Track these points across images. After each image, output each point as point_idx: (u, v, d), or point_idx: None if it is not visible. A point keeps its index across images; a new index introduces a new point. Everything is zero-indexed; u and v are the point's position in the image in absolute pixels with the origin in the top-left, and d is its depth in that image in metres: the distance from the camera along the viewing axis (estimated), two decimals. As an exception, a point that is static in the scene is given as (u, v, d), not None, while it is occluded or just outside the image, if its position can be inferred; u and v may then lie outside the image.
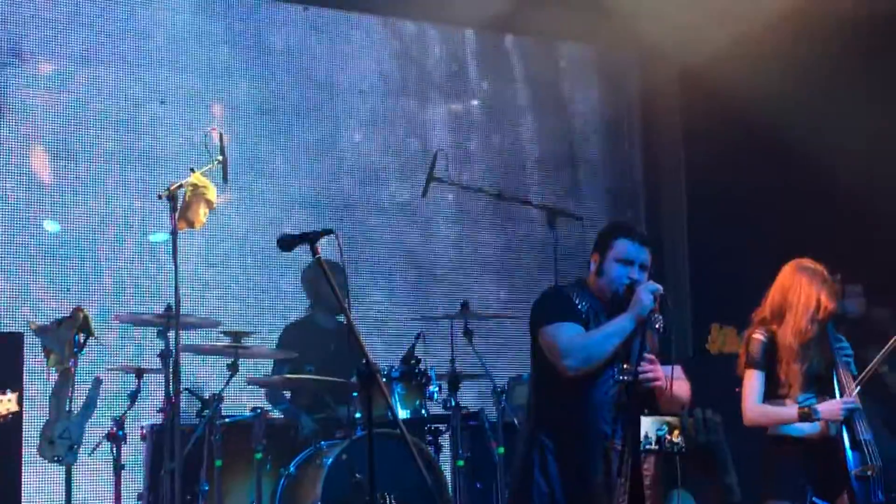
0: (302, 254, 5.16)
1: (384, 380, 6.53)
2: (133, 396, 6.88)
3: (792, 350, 5.99)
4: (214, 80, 8.36)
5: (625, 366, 5.18)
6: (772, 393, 6.04)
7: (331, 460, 6.73)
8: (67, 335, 6.65)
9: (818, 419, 5.94)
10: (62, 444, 6.60)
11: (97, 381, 6.79)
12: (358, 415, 7.00)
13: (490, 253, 9.07)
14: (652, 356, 5.22)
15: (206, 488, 6.79)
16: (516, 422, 7.10)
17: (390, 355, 7.43)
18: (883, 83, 8.09)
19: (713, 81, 8.67)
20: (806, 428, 6.01)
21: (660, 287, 5.24)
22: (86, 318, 6.68)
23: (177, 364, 6.34)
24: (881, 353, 6.23)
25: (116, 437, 6.80)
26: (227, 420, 6.96)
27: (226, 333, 7.02)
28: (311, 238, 4.87)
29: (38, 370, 7.12)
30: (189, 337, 6.96)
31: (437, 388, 7.10)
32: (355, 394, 7.02)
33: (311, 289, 7.85)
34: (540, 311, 5.41)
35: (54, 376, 6.70)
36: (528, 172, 9.29)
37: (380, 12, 8.93)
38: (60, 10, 7.99)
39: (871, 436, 6.00)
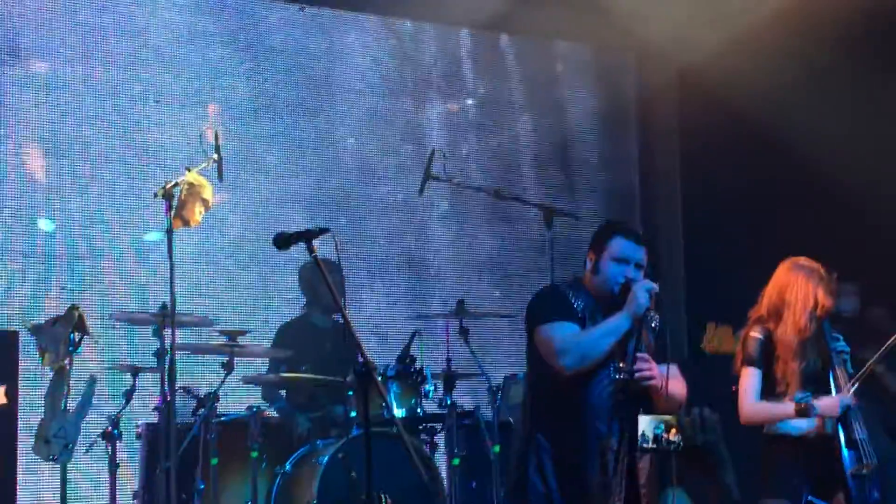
0: (298, 253, 5.16)
1: (380, 378, 6.52)
2: (128, 395, 6.87)
3: (791, 348, 5.99)
4: (210, 79, 8.35)
5: (620, 364, 5.19)
6: (769, 391, 6.05)
7: (327, 459, 6.73)
8: (63, 334, 6.64)
9: (816, 415, 5.94)
10: (57, 443, 6.59)
11: (92, 380, 6.79)
12: (353, 413, 7.00)
13: (486, 252, 9.07)
14: (647, 355, 5.22)
15: (202, 487, 6.78)
16: (512, 421, 7.10)
17: (386, 354, 7.43)
18: (880, 82, 8.10)
19: (710, 81, 8.68)
20: (802, 426, 6.02)
21: (655, 286, 5.24)
22: (81, 316, 6.67)
23: (172, 363, 6.34)
24: (878, 354, 6.24)
25: (112, 436, 6.80)
26: (222, 418, 6.96)
27: (221, 332, 7.02)
28: (308, 236, 4.87)
29: (33, 369, 7.11)
30: (184, 335, 6.95)
31: (432, 387, 7.10)
32: (351, 392, 7.03)
33: (307, 287, 7.84)
34: (536, 310, 5.42)
35: (49, 375, 6.70)
36: (524, 171, 9.29)
37: (376, 11, 8.93)
38: (56, 8, 7.97)
39: (866, 435, 6.01)
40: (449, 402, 7.11)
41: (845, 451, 5.95)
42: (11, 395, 6.75)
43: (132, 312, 7.09)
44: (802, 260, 6.14)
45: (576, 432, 5.26)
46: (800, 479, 5.96)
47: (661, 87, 9.57)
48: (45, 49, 7.94)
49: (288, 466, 6.92)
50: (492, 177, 8.98)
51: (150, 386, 6.98)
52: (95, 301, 7.64)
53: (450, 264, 8.96)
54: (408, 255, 8.86)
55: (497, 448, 7.01)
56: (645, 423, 4.78)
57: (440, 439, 7.27)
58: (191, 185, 6.41)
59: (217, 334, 7.05)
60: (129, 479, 7.06)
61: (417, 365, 7.10)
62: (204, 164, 6.56)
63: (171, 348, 6.37)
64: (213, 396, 6.87)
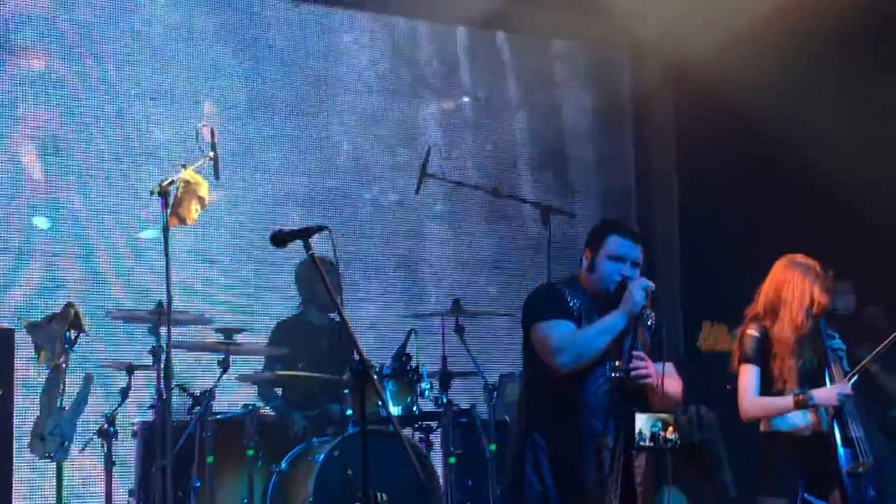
0: (294, 251, 5.16)
1: (376, 377, 6.52)
2: (124, 393, 6.87)
3: (788, 345, 6.00)
4: (206, 77, 8.35)
5: (616, 363, 5.19)
6: (766, 389, 6.05)
7: (322, 457, 6.72)
8: (58, 332, 6.64)
9: (813, 404, 5.95)
10: (53, 441, 6.59)
11: (88, 378, 6.78)
12: (349, 412, 7.00)
13: (482, 250, 9.08)
14: (643, 353, 5.23)
15: (198, 485, 6.78)
16: (508, 419, 7.10)
17: (382, 352, 7.42)
18: (877, 80, 8.10)
19: (706, 79, 8.68)
20: (798, 421, 6.03)
21: (651, 284, 5.25)
22: (77, 314, 6.66)
23: (168, 361, 6.34)
24: (874, 353, 6.25)
25: (107, 434, 6.80)
26: (218, 416, 6.96)
27: (217, 330, 7.01)
28: (305, 234, 4.87)
29: (28, 366, 7.10)
30: (180, 333, 6.95)
31: (428, 386, 7.10)
32: (347, 391, 7.03)
33: (303, 286, 7.84)
34: (532, 308, 5.42)
35: (45, 373, 6.69)
36: (520, 169, 9.29)
37: (371, 9, 8.93)
38: (51, 5, 7.96)
39: (862, 433, 6.01)
40: (445, 401, 7.11)
41: (841, 450, 5.96)
42: (7, 393, 6.74)
43: (128, 310, 7.09)
44: (799, 257, 6.15)
45: (572, 430, 5.26)
46: (796, 477, 5.97)
47: (657, 85, 9.58)
48: (41, 46, 7.92)
49: (284, 464, 6.92)
50: (488, 175, 8.98)
51: (145, 384, 6.97)
52: (91, 299, 7.63)
53: (446, 262, 8.97)
54: (404, 254, 8.86)
55: (493, 446, 7.01)
56: (642, 421, 4.78)
57: (436, 438, 7.27)
58: (187, 182, 6.41)
59: (213, 332, 7.04)
60: (125, 476, 7.04)
61: (413, 363, 7.10)
62: (200, 162, 6.56)
63: (167, 346, 6.37)
64: (208, 394, 6.87)
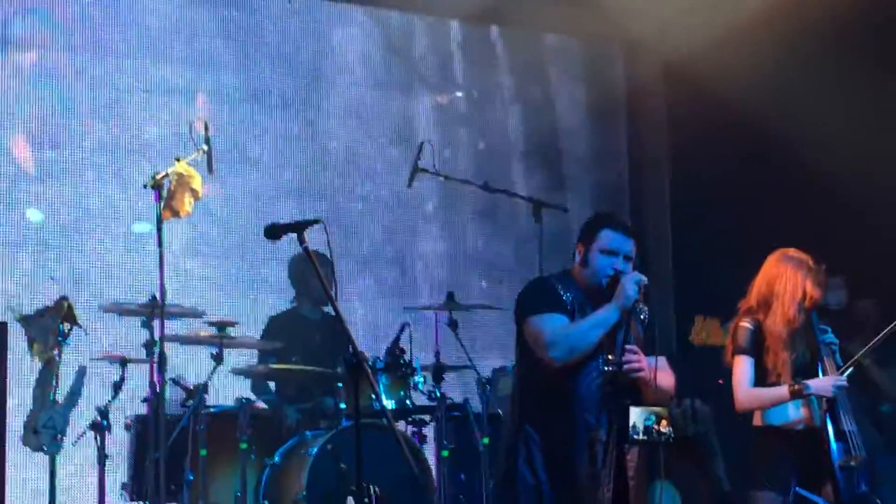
0: (288, 244, 5.16)
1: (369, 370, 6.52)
2: (117, 386, 6.86)
3: (780, 338, 6.02)
4: (199, 70, 8.34)
5: (609, 356, 5.20)
6: (760, 383, 6.07)
7: (316, 450, 6.73)
8: (52, 325, 6.63)
9: (809, 394, 5.96)
10: (46, 434, 6.59)
11: (81, 371, 6.78)
12: (342, 405, 7.01)
13: (475, 244, 9.08)
14: (636, 347, 5.23)
15: (191, 478, 6.78)
16: (501, 413, 7.11)
17: (375, 346, 7.43)
18: (868, 76, 8.11)
19: (698, 73, 8.69)
20: (791, 415, 6.04)
21: (644, 278, 5.26)
22: (70, 307, 6.66)
23: (162, 354, 6.34)
24: (868, 346, 6.27)
25: (100, 427, 6.77)
26: (212, 410, 6.96)
27: (211, 323, 7.01)
28: (298, 227, 4.87)
29: (22, 359, 7.09)
30: (174, 327, 6.94)
31: (421, 379, 7.11)
32: (340, 384, 7.03)
33: (297, 279, 7.84)
34: (525, 302, 5.43)
35: (39, 366, 6.69)
36: (513, 164, 9.29)
37: (365, 3, 8.92)
38: (45, -3, 7.97)
39: (855, 427, 6.04)
40: (438, 395, 7.11)
41: (834, 444, 5.98)
42: (-1, 386, 6.74)
43: (121, 303, 7.07)
44: (792, 251, 6.17)
45: (565, 424, 5.27)
46: (788, 471, 5.99)
47: (650, 80, 9.58)
48: (34, 38, 7.91)
49: (277, 458, 6.92)
50: (481, 169, 8.97)
51: (139, 377, 6.96)
52: (85, 292, 7.63)
53: (439, 257, 8.97)
54: (397, 247, 8.86)
55: (486, 440, 7.01)
56: (636, 415, 4.80)
57: (429, 431, 7.28)
58: (181, 175, 6.40)
59: (206, 325, 7.04)
60: (118, 470, 7.04)
61: (407, 357, 7.11)
62: (194, 155, 6.56)
63: (160, 339, 6.37)
64: (202, 388, 6.87)
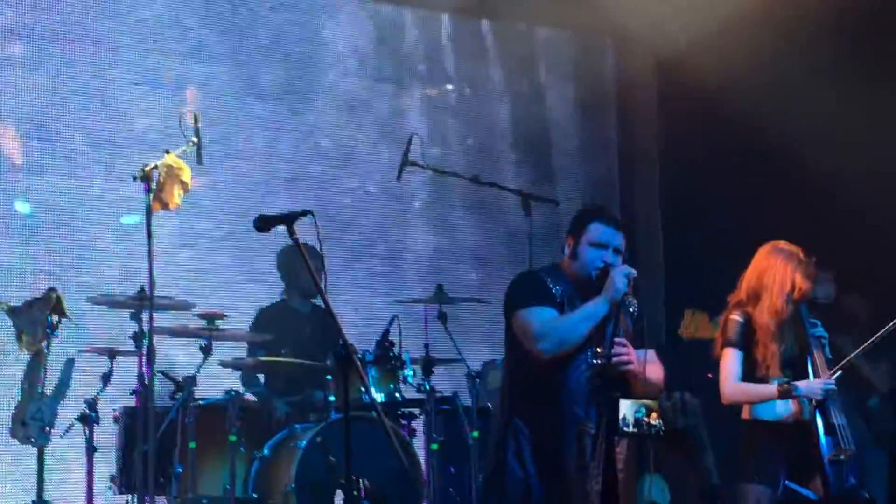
0: (277, 236, 5.15)
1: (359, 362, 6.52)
2: (106, 378, 6.85)
3: (768, 330, 6.03)
4: (190, 62, 8.31)
5: (598, 349, 5.20)
6: (749, 375, 6.08)
7: (305, 443, 6.73)
8: (40, 316, 6.62)
9: (798, 395, 5.97)
10: (34, 426, 6.58)
11: (70, 363, 6.77)
12: (332, 398, 7.00)
13: (465, 237, 9.07)
14: (625, 340, 5.24)
15: (180, 470, 6.77)
16: (490, 406, 7.11)
17: (365, 339, 7.42)
18: (858, 73, 8.13)
19: (689, 68, 8.69)
20: (780, 410, 6.06)
21: (633, 271, 5.26)
22: (59, 299, 6.65)
23: (150, 346, 6.33)
24: (860, 349, 6.28)
25: (89, 419, 6.77)
26: (200, 402, 6.95)
27: (200, 316, 7.00)
28: (288, 219, 4.86)
29: (9, 351, 7.08)
30: (163, 319, 6.93)
31: (411, 372, 7.11)
32: (330, 377, 7.03)
33: (286, 271, 7.83)
34: (514, 295, 5.43)
35: (27, 357, 6.68)
36: (503, 157, 9.29)
37: (357, -5, 8.93)
38: (35, -12, 7.94)
39: (844, 421, 6.05)
40: (427, 388, 7.11)
41: (823, 437, 5.99)
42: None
43: (110, 295, 7.05)
44: (782, 244, 6.18)
45: (554, 417, 5.27)
46: (778, 464, 6.00)
47: (640, 73, 9.58)
48: (24, 28, 7.88)
49: (266, 451, 6.92)
50: (471, 162, 8.97)
51: (127, 369, 6.95)
52: (73, 283, 7.61)
53: (428, 249, 8.96)
54: (387, 240, 8.85)
55: (476, 433, 7.02)
56: (626, 407, 4.80)
57: (419, 424, 7.28)
58: (170, 167, 6.39)
59: (195, 318, 7.02)
60: (107, 462, 7.02)
61: (396, 350, 7.11)
62: (184, 147, 6.54)
63: (149, 331, 6.36)
64: (191, 380, 6.86)
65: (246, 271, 8.24)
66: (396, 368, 7.07)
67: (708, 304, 6.60)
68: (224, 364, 7.35)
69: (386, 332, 7.14)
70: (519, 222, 7.77)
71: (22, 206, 7.81)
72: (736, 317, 6.11)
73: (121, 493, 6.96)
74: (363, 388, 6.19)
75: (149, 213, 6.28)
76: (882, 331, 6.23)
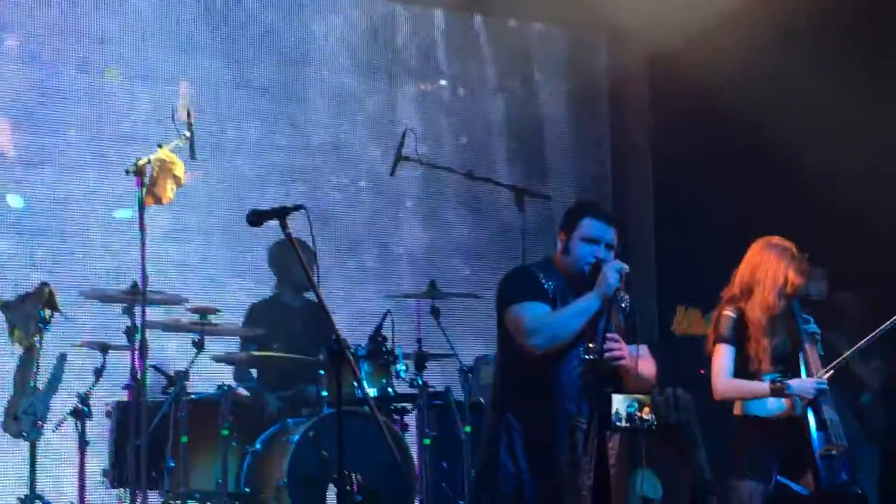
0: (270, 231, 5.15)
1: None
2: (98, 373, 6.85)
3: (760, 325, 6.04)
4: (182, 56, 8.31)
5: (590, 345, 5.20)
6: (741, 370, 6.08)
7: (297, 437, 6.73)
8: (32, 311, 6.63)
9: (791, 394, 5.98)
10: (26, 420, 6.58)
11: (62, 358, 6.77)
12: (324, 393, 7.00)
13: (458, 232, 9.08)
14: (617, 335, 5.24)
15: (172, 465, 6.78)
16: (483, 401, 7.11)
17: (357, 334, 7.42)
18: (852, 69, 8.13)
19: (682, 64, 8.69)
20: (772, 407, 6.06)
21: (625, 266, 5.26)
22: (51, 293, 6.65)
23: (143, 341, 6.33)
24: (854, 349, 6.29)
25: (81, 414, 6.77)
26: (193, 397, 6.95)
27: (192, 310, 7.00)
28: (281, 214, 4.86)
29: (2, 345, 7.07)
30: (155, 313, 6.93)
31: (403, 367, 7.11)
32: (322, 372, 7.03)
33: (277, 266, 7.83)
34: (506, 291, 5.43)
35: (19, 352, 6.68)
36: (496, 152, 9.29)
37: (350, -10, 8.92)
38: (27, -18, 7.93)
39: (836, 416, 6.05)
40: (420, 383, 7.12)
41: (815, 433, 6.00)
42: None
43: (103, 290, 7.05)
44: (775, 239, 6.19)
45: (546, 412, 5.28)
46: (770, 459, 6.01)
47: (633, 69, 9.57)
48: (16, 23, 7.87)
49: (258, 445, 6.92)
50: (463, 158, 8.97)
51: (120, 364, 6.95)
52: (66, 278, 7.60)
53: (422, 245, 8.96)
54: (380, 235, 8.85)
55: (468, 428, 7.03)
56: (618, 402, 4.81)
57: (411, 419, 7.28)
58: (163, 161, 6.39)
59: (188, 312, 7.02)
60: (99, 456, 7.02)
61: (389, 345, 7.11)
62: (176, 142, 6.54)
63: (141, 326, 6.36)
64: (183, 375, 6.86)
65: (239, 266, 8.24)
66: (389, 363, 7.07)
67: (700, 300, 6.60)
68: (217, 359, 7.35)
69: (379, 327, 7.14)
70: (512, 217, 7.78)
71: (14, 201, 7.80)
72: (728, 312, 6.12)
73: (113, 487, 6.96)
74: (356, 383, 6.19)
75: (141, 207, 6.28)
76: (878, 329, 6.23)
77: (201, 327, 6.91)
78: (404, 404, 7.25)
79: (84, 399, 6.78)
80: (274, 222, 4.89)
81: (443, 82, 9.28)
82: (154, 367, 6.89)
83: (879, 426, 7.80)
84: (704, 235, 8.60)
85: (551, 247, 5.54)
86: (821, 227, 7.61)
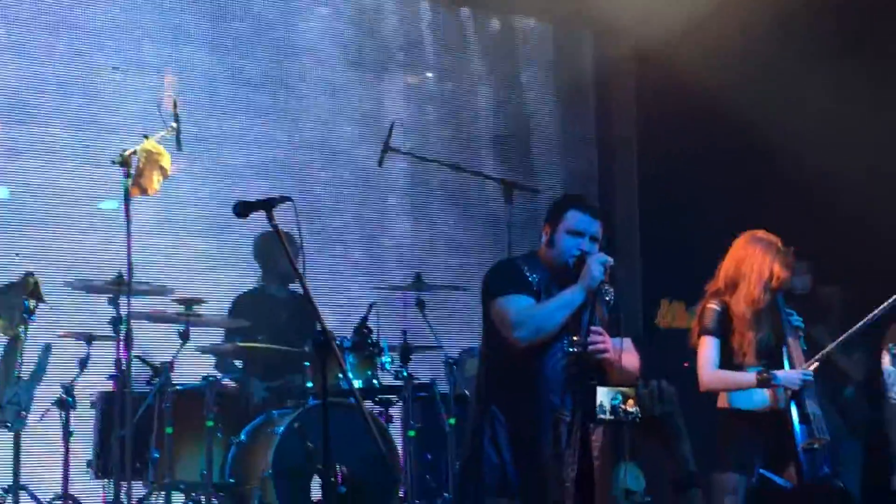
0: (256, 223, 5.15)
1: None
2: (83, 363, 6.85)
3: (745, 319, 6.05)
4: (169, 47, 8.29)
5: (574, 338, 5.21)
6: (726, 363, 6.09)
7: (282, 429, 6.73)
8: (17, 301, 6.61)
9: (777, 384, 6.00)
10: (10, 411, 6.57)
11: (47, 348, 6.76)
12: (309, 384, 7.01)
13: (444, 225, 9.08)
14: (601, 328, 5.25)
15: (157, 456, 6.78)
16: (467, 393, 7.13)
17: (343, 326, 7.43)
18: (838, 64, 8.15)
19: (668, 58, 8.71)
20: (757, 399, 6.08)
21: (610, 259, 5.26)
22: (36, 283, 6.64)
23: (128, 331, 6.33)
24: (836, 342, 6.31)
25: (66, 404, 6.77)
26: (177, 388, 6.95)
27: (178, 301, 7.00)
28: (268, 205, 4.86)
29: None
30: (140, 304, 6.93)
31: (389, 359, 7.12)
32: (308, 363, 7.03)
33: (263, 257, 7.83)
34: (491, 283, 5.43)
35: (3, 342, 6.67)
36: (483, 145, 9.30)
37: (337, -18, 8.91)
38: (13, -28, 7.91)
39: (819, 410, 6.07)
40: (405, 375, 7.13)
41: (797, 426, 6.02)
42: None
43: (88, 280, 7.04)
44: (760, 233, 6.20)
45: (530, 404, 5.28)
46: (753, 452, 6.02)
47: (619, 65, 9.59)
48: (3, 12, 7.85)
49: (243, 436, 6.92)
50: (451, 150, 8.98)
51: (105, 354, 6.95)
52: (51, 268, 7.59)
53: (408, 237, 8.97)
54: (366, 227, 8.86)
55: (453, 420, 7.05)
56: (603, 394, 4.82)
57: (396, 411, 7.29)
58: (149, 153, 6.39)
59: (173, 303, 7.02)
60: (84, 447, 7.02)
61: (374, 337, 7.12)
62: (163, 133, 6.53)
63: (126, 317, 6.35)
64: (168, 365, 6.86)
65: (225, 257, 8.24)
66: (374, 355, 7.08)
67: (685, 294, 6.62)
68: (202, 350, 7.35)
69: (364, 319, 7.15)
70: (498, 210, 7.79)
71: (0, 191, 7.78)
72: (713, 305, 6.13)
73: (97, 477, 6.97)
74: (341, 375, 6.20)
75: (127, 198, 6.27)
76: (861, 323, 6.26)
77: (187, 318, 6.91)
78: (389, 396, 7.26)
79: (69, 389, 6.78)
80: (258, 214, 4.89)
81: (430, 75, 9.28)
82: (139, 357, 6.89)
83: (862, 420, 7.83)
84: (690, 229, 8.62)
85: (537, 240, 5.55)
86: (804, 220, 7.63)
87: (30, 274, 6.67)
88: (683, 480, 4.18)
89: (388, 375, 7.17)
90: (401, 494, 6.94)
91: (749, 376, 6.03)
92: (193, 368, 7.37)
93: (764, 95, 8.25)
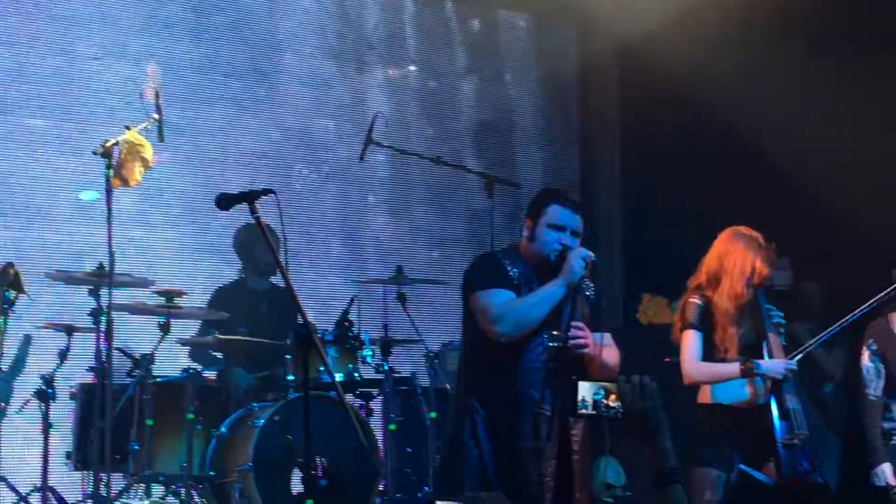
0: (237, 215, 5.13)
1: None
2: (63, 355, 6.83)
3: (728, 314, 6.06)
4: (151, 38, 8.26)
5: (555, 332, 5.22)
6: (707, 358, 6.09)
7: (262, 422, 6.72)
8: (-3, 292, 6.59)
9: (761, 373, 6.01)
10: (-10, 402, 6.56)
11: (27, 339, 6.74)
12: (290, 377, 6.99)
13: (425, 219, 9.08)
14: (582, 323, 5.25)
15: (136, 448, 6.76)
16: (448, 387, 7.13)
17: (324, 319, 7.42)
18: (822, 59, 8.18)
19: (651, 54, 8.72)
20: (737, 394, 6.08)
21: (591, 254, 5.27)
22: (16, 274, 6.61)
23: (109, 323, 6.31)
24: (818, 338, 6.33)
25: (45, 396, 6.75)
26: (158, 380, 6.93)
27: (158, 293, 6.98)
28: (250, 197, 4.85)
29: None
30: (121, 296, 6.91)
31: (370, 353, 7.11)
32: (289, 356, 7.02)
33: (242, 250, 7.81)
34: (472, 277, 5.44)
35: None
36: (465, 139, 9.30)
37: (320, -26, 8.89)
38: (-5, -38, 7.87)
39: (799, 406, 6.08)
40: (386, 368, 7.13)
41: (777, 422, 6.03)
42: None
43: (69, 271, 7.02)
44: (743, 229, 6.21)
45: (509, 398, 5.29)
46: (733, 447, 6.04)
47: (602, 60, 9.60)
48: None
49: (223, 429, 6.90)
50: (433, 143, 8.97)
51: (85, 346, 6.93)
52: (31, 259, 7.56)
53: (389, 230, 8.96)
54: (347, 220, 8.85)
55: (433, 414, 7.05)
56: (585, 389, 4.82)
57: (376, 405, 7.29)
58: (131, 144, 6.37)
59: (154, 295, 7.00)
60: (63, 438, 7.00)
61: (355, 330, 7.11)
62: (145, 124, 6.51)
63: (107, 308, 6.33)
64: (148, 357, 6.84)
65: (206, 249, 8.22)
66: (355, 349, 7.07)
67: (666, 289, 6.64)
68: (183, 342, 7.33)
69: (345, 312, 7.14)
70: (479, 204, 7.80)
71: (-21, 181, 7.76)
72: (695, 300, 6.13)
73: (77, 469, 6.94)
74: (322, 368, 6.19)
75: (108, 189, 6.25)
76: (842, 321, 6.27)
77: (167, 310, 6.89)
78: (370, 389, 7.25)
79: (48, 381, 6.75)
80: (241, 206, 4.88)
81: (412, 67, 9.27)
82: (119, 349, 6.87)
83: (841, 416, 7.86)
84: (672, 224, 8.63)
85: (519, 234, 5.55)
86: (786, 216, 7.66)
87: (10, 264, 6.65)
88: (665, 476, 4.17)
89: (368, 369, 7.16)
90: (381, 488, 6.93)
91: (733, 367, 6.03)
92: (174, 361, 7.35)
93: (746, 90, 8.27)
